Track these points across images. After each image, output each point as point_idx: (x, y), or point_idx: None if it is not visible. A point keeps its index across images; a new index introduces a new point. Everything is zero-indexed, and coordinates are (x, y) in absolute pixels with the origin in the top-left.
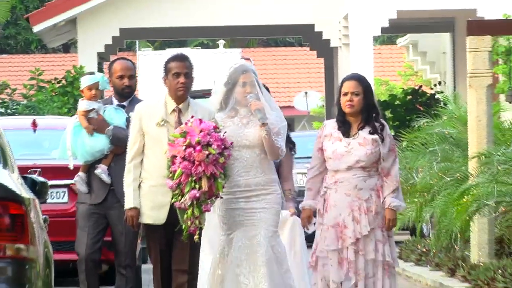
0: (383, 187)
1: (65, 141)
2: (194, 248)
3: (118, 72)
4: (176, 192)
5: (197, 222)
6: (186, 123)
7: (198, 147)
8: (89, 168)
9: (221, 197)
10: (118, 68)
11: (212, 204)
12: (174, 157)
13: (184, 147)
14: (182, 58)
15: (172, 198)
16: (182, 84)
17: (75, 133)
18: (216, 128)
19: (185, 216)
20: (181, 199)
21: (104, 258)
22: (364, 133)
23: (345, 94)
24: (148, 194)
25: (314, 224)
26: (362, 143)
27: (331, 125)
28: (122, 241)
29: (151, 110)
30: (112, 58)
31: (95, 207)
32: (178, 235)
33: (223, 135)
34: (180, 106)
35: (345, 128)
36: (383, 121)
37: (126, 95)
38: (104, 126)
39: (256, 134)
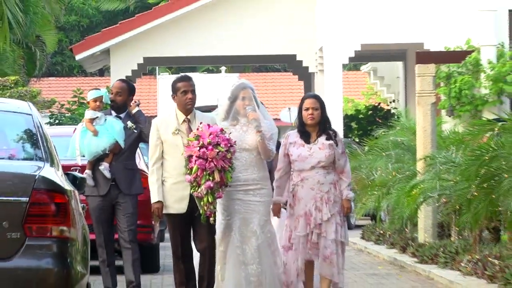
0: (339, 181)
1: (74, 143)
2: (211, 227)
3: (114, 89)
4: (194, 184)
5: (211, 207)
6: (197, 128)
7: (210, 147)
8: (94, 166)
9: (229, 185)
10: (114, 86)
11: (223, 192)
12: (190, 156)
13: (198, 148)
14: (188, 79)
15: (190, 190)
16: (190, 100)
17: (82, 136)
18: (222, 130)
19: (202, 203)
20: (198, 189)
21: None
22: (322, 140)
23: (307, 109)
24: (170, 190)
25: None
26: (321, 147)
27: (294, 134)
28: (125, 224)
29: (165, 122)
30: (138, 80)
31: (102, 199)
32: (197, 220)
33: (228, 136)
34: (189, 116)
35: (305, 137)
36: (335, 130)
37: (112, 108)
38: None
39: (253, 139)
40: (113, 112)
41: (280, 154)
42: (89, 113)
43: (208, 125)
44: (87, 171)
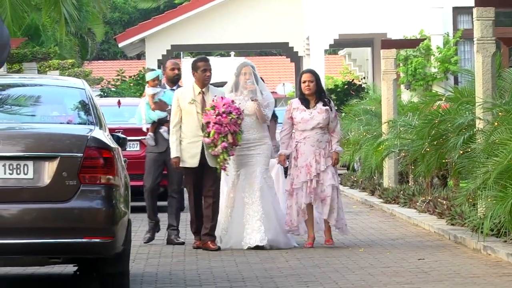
0: (331, 139)
1: (140, 113)
2: (216, 181)
3: (170, 66)
4: (211, 145)
5: (226, 162)
6: (213, 100)
7: (224, 115)
8: (155, 129)
9: (240, 145)
10: (170, 64)
11: (234, 150)
12: (208, 122)
13: (214, 116)
14: (207, 59)
15: (208, 149)
16: (208, 77)
17: (147, 107)
18: (233, 101)
19: (218, 159)
20: (214, 149)
21: (161, 184)
22: (320, 106)
23: (304, 82)
24: (186, 148)
25: (288, 162)
26: (319, 112)
27: (296, 101)
28: (175, 177)
29: (184, 94)
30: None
31: (159, 155)
32: (206, 173)
33: (238, 105)
34: (203, 90)
35: (305, 103)
36: (329, 98)
37: (175, 80)
38: (165, 106)
39: (252, 107)
40: (167, 86)
41: (284, 117)
42: (150, 90)
43: (222, 97)
44: (150, 133)
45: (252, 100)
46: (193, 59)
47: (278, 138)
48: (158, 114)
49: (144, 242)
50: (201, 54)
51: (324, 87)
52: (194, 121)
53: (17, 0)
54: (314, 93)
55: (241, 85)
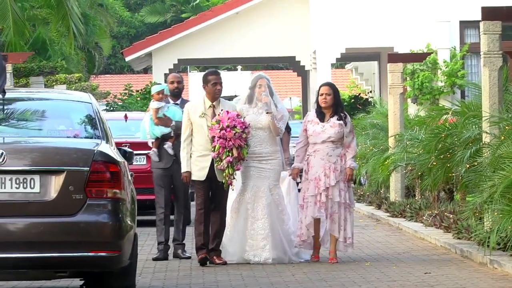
0: (346, 154)
1: (145, 128)
2: (225, 193)
3: (170, 79)
4: (217, 159)
5: (232, 177)
6: (218, 114)
7: (228, 129)
8: (159, 144)
9: (246, 160)
10: (170, 77)
11: (241, 165)
12: (213, 137)
13: (219, 130)
14: (217, 73)
15: (214, 164)
16: (218, 90)
17: (151, 122)
18: (238, 115)
19: (224, 174)
20: (220, 163)
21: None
22: (334, 120)
23: (321, 94)
24: (195, 161)
25: (301, 177)
26: (332, 125)
27: (312, 114)
28: (182, 192)
29: (195, 107)
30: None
31: (165, 170)
32: (215, 187)
33: (243, 119)
34: (214, 103)
35: (321, 116)
36: (346, 113)
37: (175, 94)
38: (169, 122)
39: (266, 120)
40: (170, 100)
41: (301, 130)
42: (154, 104)
43: (227, 111)
44: (154, 149)
45: (267, 113)
46: (200, 73)
47: (292, 151)
48: (161, 130)
49: (153, 259)
50: (208, 68)
51: None
52: (204, 135)
53: (19, 17)
54: (330, 106)
55: (255, 97)
